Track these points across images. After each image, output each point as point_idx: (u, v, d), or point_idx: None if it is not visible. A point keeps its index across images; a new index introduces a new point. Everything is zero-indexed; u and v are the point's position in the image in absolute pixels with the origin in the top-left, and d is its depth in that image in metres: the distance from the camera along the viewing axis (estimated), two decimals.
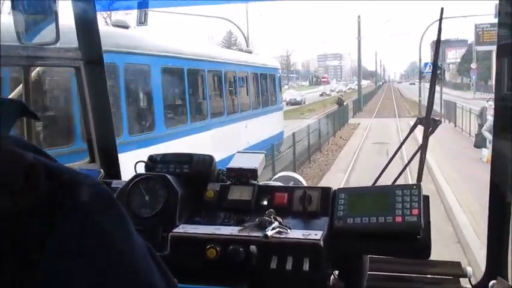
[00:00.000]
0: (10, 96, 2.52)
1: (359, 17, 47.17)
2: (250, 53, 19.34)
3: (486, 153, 12.59)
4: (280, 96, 20.71)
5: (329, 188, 1.59)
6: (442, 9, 1.69)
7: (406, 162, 1.83)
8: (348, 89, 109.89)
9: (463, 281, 1.81)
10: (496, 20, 1.66)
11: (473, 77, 59.64)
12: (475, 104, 27.27)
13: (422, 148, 1.69)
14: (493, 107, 1.74)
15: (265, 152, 1.79)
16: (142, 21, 13.11)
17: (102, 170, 1.93)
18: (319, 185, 1.74)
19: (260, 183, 1.68)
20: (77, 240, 0.60)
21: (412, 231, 1.41)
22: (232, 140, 12.71)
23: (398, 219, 1.41)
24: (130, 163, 1.85)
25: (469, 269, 1.81)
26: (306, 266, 1.39)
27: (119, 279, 0.63)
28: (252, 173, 1.65)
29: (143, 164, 1.79)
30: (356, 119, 35.16)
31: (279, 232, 1.43)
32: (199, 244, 1.47)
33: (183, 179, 1.69)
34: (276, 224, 1.45)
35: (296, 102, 52.64)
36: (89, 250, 0.61)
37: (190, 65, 11.62)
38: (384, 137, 22.04)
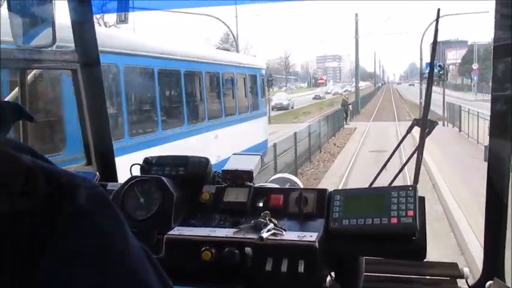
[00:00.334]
0: (6, 99, 2.52)
1: (356, 15, 46.02)
2: (228, 50, 17.41)
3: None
4: (264, 100, 17.93)
5: (325, 190, 1.59)
6: (439, 10, 1.70)
7: (403, 160, 1.83)
8: (344, 91, 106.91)
9: (460, 282, 1.81)
10: None
11: (475, 77, 58.69)
12: (478, 106, 26.14)
13: (419, 149, 1.69)
14: None
15: (261, 154, 1.79)
16: (122, 20, 11.39)
17: (97, 173, 1.93)
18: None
19: (256, 185, 1.68)
20: (77, 241, 0.61)
21: (407, 233, 1.41)
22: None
23: (394, 220, 1.41)
24: None
25: (466, 270, 1.81)
26: (301, 268, 1.39)
27: (118, 280, 0.63)
28: (248, 174, 1.65)
29: (138, 166, 1.79)
30: (353, 122, 33.55)
31: (274, 234, 1.43)
32: (194, 246, 1.47)
33: (178, 181, 1.69)
34: (271, 225, 1.44)
35: (282, 107, 48.00)
36: (89, 251, 0.61)
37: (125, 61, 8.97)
38: (382, 142, 20.42)
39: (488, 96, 1.83)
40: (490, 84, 1.70)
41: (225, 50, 16.79)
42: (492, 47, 1.66)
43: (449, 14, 28.75)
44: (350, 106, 34.86)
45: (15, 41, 1.98)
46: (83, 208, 0.62)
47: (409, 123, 1.77)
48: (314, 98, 76.99)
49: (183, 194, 1.65)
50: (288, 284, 1.42)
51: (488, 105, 1.68)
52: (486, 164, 1.67)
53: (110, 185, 1.75)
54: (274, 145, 14.02)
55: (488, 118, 1.72)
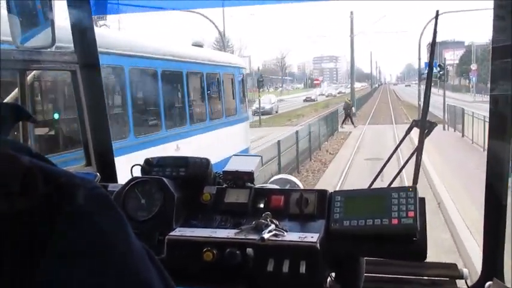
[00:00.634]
0: (5, 100, 2.52)
1: (351, 13, 44.06)
2: (201, 46, 14.57)
3: None
4: (245, 104, 15.33)
5: (325, 191, 1.59)
6: (438, 11, 1.71)
7: (402, 162, 1.84)
8: (338, 93, 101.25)
9: (460, 283, 1.82)
10: None
11: (473, 78, 57.40)
12: (477, 107, 24.36)
13: (418, 150, 1.70)
14: None
15: (261, 156, 1.80)
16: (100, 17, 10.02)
17: (98, 174, 1.93)
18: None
19: (256, 186, 1.69)
20: (76, 241, 0.61)
21: (408, 233, 1.42)
22: None
23: (395, 221, 1.41)
24: None
25: (465, 271, 1.82)
26: (303, 269, 1.39)
27: (120, 280, 0.63)
28: (249, 175, 1.65)
29: (139, 167, 1.79)
30: (348, 125, 31.38)
31: (275, 235, 1.43)
32: (196, 247, 1.47)
33: (179, 182, 1.69)
34: (272, 226, 1.45)
35: (264, 111, 41.30)
36: (89, 251, 0.61)
37: None
38: (378, 148, 18.57)
39: (486, 97, 1.83)
40: (489, 85, 1.71)
41: (197, 45, 13.99)
42: (490, 48, 1.67)
43: (447, 11, 26.59)
44: (353, 109, 32.83)
45: (15, 42, 1.98)
46: (82, 208, 0.63)
47: (408, 126, 1.78)
48: (305, 101, 71.91)
49: (184, 194, 1.66)
50: (289, 284, 1.43)
51: (487, 106, 1.68)
52: None
53: (111, 186, 1.75)
54: (260, 159, 12.17)
55: None
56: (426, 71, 2.02)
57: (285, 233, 1.45)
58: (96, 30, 2.18)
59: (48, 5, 2.00)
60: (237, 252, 1.43)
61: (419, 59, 33.92)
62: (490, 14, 1.64)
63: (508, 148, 1.62)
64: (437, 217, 9.60)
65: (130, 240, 0.68)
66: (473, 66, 55.76)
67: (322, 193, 1.58)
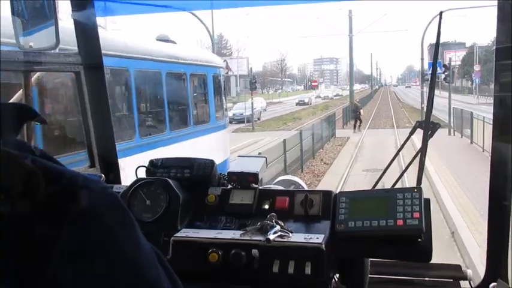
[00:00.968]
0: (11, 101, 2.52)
1: (350, 11, 41.99)
2: (168, 40, 11.45)
3: None
4: (222, 109, 12.88)
5: (330, 192, 1.60)
6: (441, 13, 1.71)
7: (403, 165, 1.84)
8: (335, 96, 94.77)
9: (463, 284, 1.82)
10: None
11: (477, 79, 55.86)
12: (482, 110, 22.68)
13: (422, 151, 1.70)
14: None
15: (266, 157, 1.80)
16: None
17: (103, 175, 1.93)
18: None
19: (261, 187, 1.69)
20: (85, 242, 0.61)
21: (413, 234, 1.42)
22: None
23: (400, 222, 1.42)
24: None
25: (469, 272, 1.82)
26: (308, 270, 1.39)
27: (128, 280, 0.63)
28: (254, 177, 1.66)
29: (144, 168, 1.79)
30: (346, 130, 28.66)
31: (281, 236, 1.43)
32: (201, 248, 1.48)
33: (184, 183, 1.69)
34: (277, 227, 1.45)
35: (241, 119, 35.03)
36: (98, 252, 0.61)
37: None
38: (379, 156, 16.09)
39: (490, 99, 1.83)
40: (492, 86, 1.70)
41: (163, 40, 11.19)
42: (494, 49, 1.67)
43: (449, 9, 25.03)
44: (361, 111, 29.63)
45: (19, 44, 1.98)
46: (92, 209, 0.63)
47: (410, 130, 1.78)
48: (298, 104, 63.44)
49: (189, 196, 1.66)
50: (294, 285, 1.43)
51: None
52: None
53: (116, 187, 1.75)
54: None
55: None
56: (430, 72, 2.01)
57: (291, 234, 1.45)
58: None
59: (52, 7, 2.00)
60: (243, 253, 1.43)
61: (422, 59, 31.36)
62: (490, 15, 1.63)
63: None
64: (451, 244, 8.37)
65: (139, 242, 0.68)
66: (477, 67, 54.60)
67: (327, 194, 1.59)
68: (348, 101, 45.06)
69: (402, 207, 1.43)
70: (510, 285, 1.65)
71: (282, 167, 13.71)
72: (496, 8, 1.60)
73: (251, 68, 38.75)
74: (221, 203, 1.65)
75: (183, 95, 10.71)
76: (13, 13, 2.00)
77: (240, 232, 1.50)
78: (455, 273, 1.85)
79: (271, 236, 1.41)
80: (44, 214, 0.59)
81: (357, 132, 27.53)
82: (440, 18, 1.73)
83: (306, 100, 66.16)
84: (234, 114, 35.19)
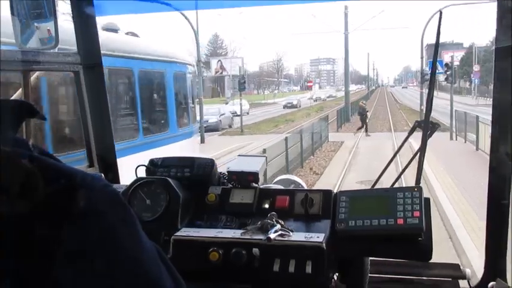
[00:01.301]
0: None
1: (346, 7, 38.81)
2: (116, 31, 9.37)
3: None
4: (188, 115, 10.94)
5: (330, 191, 1.60)
6: (441, 13, 1.71)
7: (400, 166, 1.84)
8: (328, 97, 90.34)
9: (462, 283, 1.82)
10: None
11: (476, 80, 54.59)
12: (483, 111, 21.01)
13: (421, 151, 1.70)
14: None
15: (266, 156, 1.80)
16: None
17: (102, 175, 1.93)
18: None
19: (261, 186, 1.69)
20: (86, 242, 0.61)
21: (413, 233, 1.43)
22: None
23: (400, 221, 1.42)
24: None
25: (468, 271, 1.83)
26: (309, 269, 1.39)
27: (130, 278, 0.63)
28: (254, 176, 1.66)
29: (144, 167, 1.79)
30: (340, 134, 26.70)
31: (281, 235, 1.44)
32: (201, 247, 1.48)
33: (184, 182, 1.69)
34: (278, 226, 1.45)
35: (211, 128, 29.99)
36: (98, 251, 0.61)
37: None
38: (375, 164, 13.38)
39: (489, 101, 1.82)
40: (491, 87, 1.71)
41: (110, 30, 8.91)
42: (494, 49, 1.67)
43: (447, 5, 23.57)
44: (368, 114, 28.07)
45: (18, 43, 1.98)
46: (93, 207, 0.63)
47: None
48: (286, 107, 57.27)
49: (189, 195, 1.66)
50: (295, 284, 1.43)
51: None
52: None
53: (116, 187, 1.75)
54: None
55: None
56: (430, 71, 2.01)
57: (291, 233, 1.46)
58: None
59: (51, 6, 2.00)
60: (243, 252, 1.43)
61: (422, 57, 29.53)
62: (489, 15, 1.62)
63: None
64: None
65: (142, 240, 0.68)
66: (476, 67, 53.52)
67: (327, 193, 1.59)
68: (343, 102, 42.74)
69: (402, 206, 1.44)
70: (509, 284, 1.66)
71: (272, 174, 11.67)
72: (495, 7, 1.60)
73: (240, 67, 36.78)
74: (221, 202, 1.65)
75: (128, 98, 8.88)
76: (12, 13, 1.99)
77: (241, 231, 1.51)
78: (454, 272, 1.86)
79: (272, 235, 1.41)
80: (44, 214, 0.59)
81: (367, 135, 25.74)
82: (440, 18, 1.73)
83: (295, 102, 59.85)
84: (207, 122, 29.55)
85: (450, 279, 1.85)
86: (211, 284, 1.50)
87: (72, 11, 2.12)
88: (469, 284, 1.79)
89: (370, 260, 1.61)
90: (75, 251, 0.59)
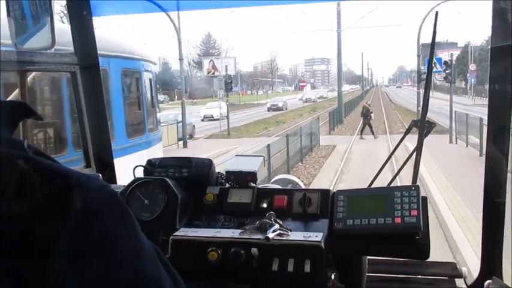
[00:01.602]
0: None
1: (338, 4, 35.56)
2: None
3: None
4: (145, 120, 9.47)
5: (328, 190, 1.61)
6: (437, 13, 1.72)
7: (395, 167, 1.85)
8: (319, 98, 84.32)
9: (459, 282, 1.83)
10: None
11: (472, 80, 53.59)
12: (477, 111, 20.70)
13: (417, 150, 1.71)
14: None
15: (263, 156, 1.81)
16: None
17: (100, 175, 1.93)
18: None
19: (259, 186, 1.70)
20: (85, 242, 0.61)
21: (411, 232, 1.44)
22: None
23: (398, 220, 1.43)
24: None
25: (464, 269, 1.84)
26: (307, 268, 1.40)
27: (128, 278, 0.63)
28: (252, 176, 1.66)
29: (142, 168, 1.79)
30: (332, 136, 25.25)
31: (280, 234, 1.44)
32: (200, 247, 1.48)
33: (182, 182, 1.70)
34: (276, 226, 1.46)
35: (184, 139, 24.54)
36: (96, 251, 0.61)
37: None
38: (368, 172, 9.04)
39: (486, 101, 1.83)
40: (487, 87, 1.72)
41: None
42: (489, 48, 1.68)
43: (443, 1, 21.71)
44: (372, 115, 25.78)
45: (14, 43, 1.97)
46: (90, 207, 0.63)
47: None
48: (270, 109, 51.59)
49: (187, 195, 1.66)
50: (293, 284, 1.44)
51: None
52: None
53: (113, 187, 1.75)
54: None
55: None
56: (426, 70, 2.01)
57: (290, 233, 1.46)
58: None
59: (47, 6, 2.00)
60: (242, 251, 1.44)
61: (419, 55, 27.71)
62: (483, 14, 1.62)
63: (507, 147, 1.64)
64: None
65: (140, 240, 0.68)
66: (472, 67, 52.62)
67: (325, 193, 1.60)
68: (336, 103, 40.88)
69: (400, 205, 1.45)
70: (505, 283, 1.67)
71: None
72: (490, 6, 1.61)
73: (227, 67, 34.39)
74: (219, 202, 1.65)
75: (52, 102, 7.52)
76: (8, 13, 1.99)
77: (239, 231, 1.51)
78: (451, 271, 1.87)
79: (270, 235, 1.42)
80: (43, 214, 0.59)
81: (361, 138, 24.35)
82: (436, 18, 1.74)
83: (280, 104, 53.39)
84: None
85: (447, 278, 1.86)
86: (210, 284, 1.50)
87: (68, 11, 2.12)
88: (465, 283, 1.81)
89: (368, 259, 1.62)
90: (73, 251, 0.59)
